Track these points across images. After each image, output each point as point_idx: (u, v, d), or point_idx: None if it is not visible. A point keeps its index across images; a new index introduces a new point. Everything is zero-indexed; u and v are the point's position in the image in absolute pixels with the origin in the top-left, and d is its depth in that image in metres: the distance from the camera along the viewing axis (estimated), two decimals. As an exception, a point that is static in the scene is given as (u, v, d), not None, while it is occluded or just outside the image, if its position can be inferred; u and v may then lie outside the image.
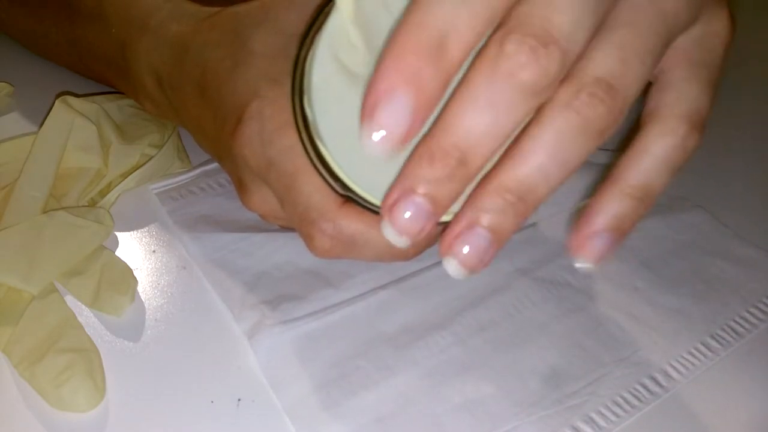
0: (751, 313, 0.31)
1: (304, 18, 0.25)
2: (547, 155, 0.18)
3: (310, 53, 0.20)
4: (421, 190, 0.18)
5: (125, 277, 0.28)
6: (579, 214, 0.21)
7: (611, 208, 0.20)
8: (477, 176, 0.19)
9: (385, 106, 0.17)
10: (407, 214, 0.18)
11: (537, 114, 0.18)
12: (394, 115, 0.17)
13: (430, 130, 0.18)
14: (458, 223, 0.19)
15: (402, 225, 0.18)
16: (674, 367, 0.28)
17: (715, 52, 0.21)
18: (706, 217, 0.36)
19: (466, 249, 0.19)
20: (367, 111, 0.17)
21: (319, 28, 0.20)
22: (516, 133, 0.19)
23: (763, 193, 0.38)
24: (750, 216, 0.36)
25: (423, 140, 0.18)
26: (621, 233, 0.20)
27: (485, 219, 0.19)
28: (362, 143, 0.17)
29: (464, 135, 0.18)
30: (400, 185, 0.18)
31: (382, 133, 0.17)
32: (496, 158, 0.19)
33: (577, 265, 0.20)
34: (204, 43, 0.27)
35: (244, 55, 0.25)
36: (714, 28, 0.21)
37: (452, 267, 0.19)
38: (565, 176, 0.19)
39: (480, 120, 0.18)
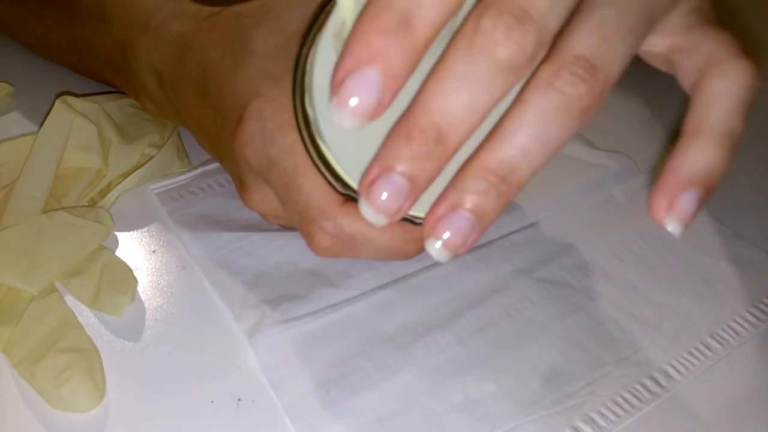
0: (751, 313, 0.31)
1: (305, 17, 0.25)
2: (529, 136, 0.18)
3: (312, 52, 0.20)
4: (398, 168, 0.18)
5: (125, 277, 0.28)
6: (657, 175, 0.19)
7: (698, 159, 0.19)
8: (458, 157, 0.19)
9: (352, 79, 0.17)
10: (385, 193, 0.18)
11: (519, 95, 0.18)
12: (362, 89, 0.17)
13: (408, 108, 0.18)
14: (441, 205, 0.19)
15: (380, 204, 0.18)
16: (674, 367, 0.28)
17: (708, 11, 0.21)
18: (706, 218, 0.36)
19: (449, 231, 0.19)
20: (335, 84, 0.17)
21: (321, 27, 0.20)
22: (500, 112, 0.18)
23: (763, 193, 0.38)
24: (750, 216, 0.36)
25: (401, 119, 0.18)
26: (709, 189, 0.19)
27: (468, 200, 0.18)
28: (331, 115, 0.18)
29: (441, 112, 0.18)
30: (378, 163, 0.18)
31: (351, 105, 0.17)
32: (479, 141, 0.19)
33: (669, 228, 0.19)
34: (205, 42, 0.27)
35: (245, 55, 0.25)
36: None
37: (435, 249, 0.19)
38: (547, 157, 0.18)
39: (456, 97, 0.18)
